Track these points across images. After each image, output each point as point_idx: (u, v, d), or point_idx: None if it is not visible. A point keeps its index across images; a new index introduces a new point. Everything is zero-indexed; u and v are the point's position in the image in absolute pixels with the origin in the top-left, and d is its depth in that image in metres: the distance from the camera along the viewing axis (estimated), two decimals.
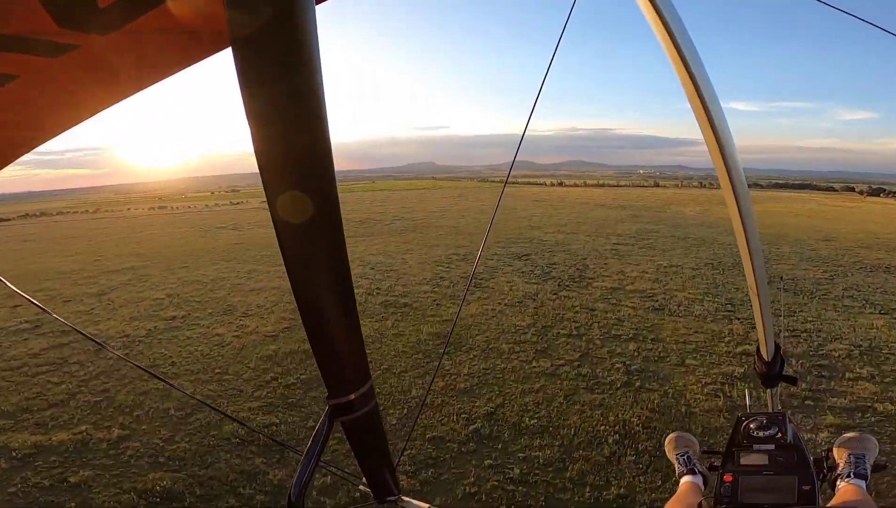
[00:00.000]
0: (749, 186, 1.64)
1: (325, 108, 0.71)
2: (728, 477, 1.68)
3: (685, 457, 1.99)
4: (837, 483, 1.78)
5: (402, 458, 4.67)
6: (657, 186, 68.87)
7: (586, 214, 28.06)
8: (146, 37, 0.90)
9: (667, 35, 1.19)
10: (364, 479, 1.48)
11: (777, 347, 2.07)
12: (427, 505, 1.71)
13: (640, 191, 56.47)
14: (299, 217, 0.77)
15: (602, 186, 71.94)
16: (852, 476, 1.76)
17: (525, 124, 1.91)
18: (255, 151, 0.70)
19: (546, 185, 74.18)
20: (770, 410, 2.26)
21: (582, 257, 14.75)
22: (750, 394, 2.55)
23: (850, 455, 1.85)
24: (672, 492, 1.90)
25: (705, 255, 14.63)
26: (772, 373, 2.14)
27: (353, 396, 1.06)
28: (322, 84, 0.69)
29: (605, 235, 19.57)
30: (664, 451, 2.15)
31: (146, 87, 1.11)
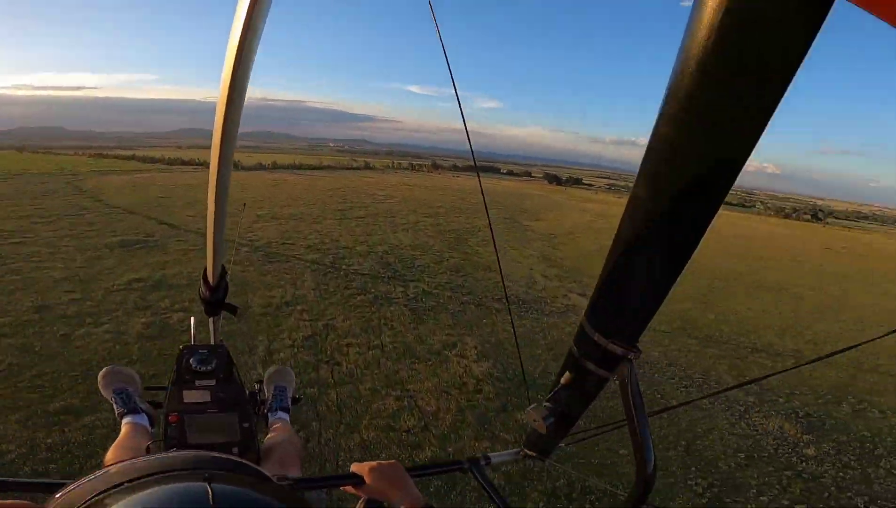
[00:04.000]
0: None
1: None
2: (174, 418, 1.56)
3: (124, 395, 1.76)
4: (269, 416, 1.87)
5: None
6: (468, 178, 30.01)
7: None
8: None
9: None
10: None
11: (224, 271, 1.85)
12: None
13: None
14: None
15: (275, 168, 35.68)
16: (278, 410, 1.87)
17: None
18: None
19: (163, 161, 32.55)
20: (212, 341, 2.01)
21: None
22: (196, 324, 2.26)
23: (275, 387, 1.96)
24: None
25: None
26: (214, 299, 1.86)
27: None
28: None
29: None
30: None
31: None
